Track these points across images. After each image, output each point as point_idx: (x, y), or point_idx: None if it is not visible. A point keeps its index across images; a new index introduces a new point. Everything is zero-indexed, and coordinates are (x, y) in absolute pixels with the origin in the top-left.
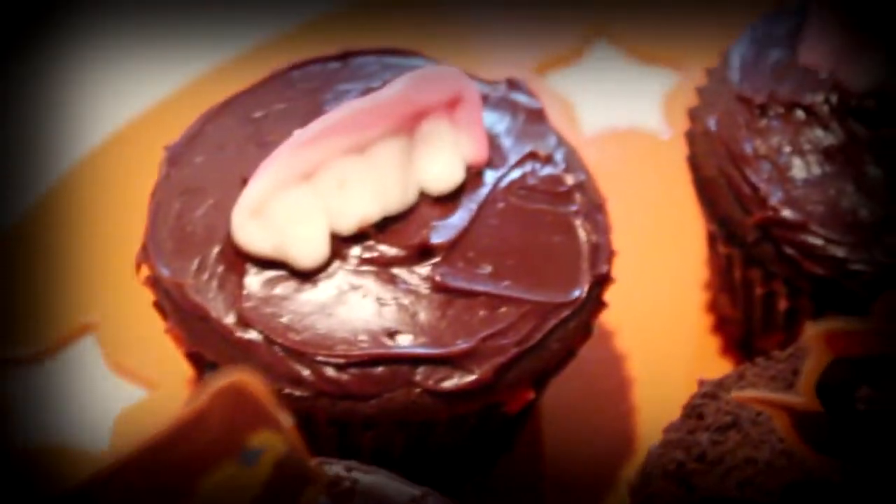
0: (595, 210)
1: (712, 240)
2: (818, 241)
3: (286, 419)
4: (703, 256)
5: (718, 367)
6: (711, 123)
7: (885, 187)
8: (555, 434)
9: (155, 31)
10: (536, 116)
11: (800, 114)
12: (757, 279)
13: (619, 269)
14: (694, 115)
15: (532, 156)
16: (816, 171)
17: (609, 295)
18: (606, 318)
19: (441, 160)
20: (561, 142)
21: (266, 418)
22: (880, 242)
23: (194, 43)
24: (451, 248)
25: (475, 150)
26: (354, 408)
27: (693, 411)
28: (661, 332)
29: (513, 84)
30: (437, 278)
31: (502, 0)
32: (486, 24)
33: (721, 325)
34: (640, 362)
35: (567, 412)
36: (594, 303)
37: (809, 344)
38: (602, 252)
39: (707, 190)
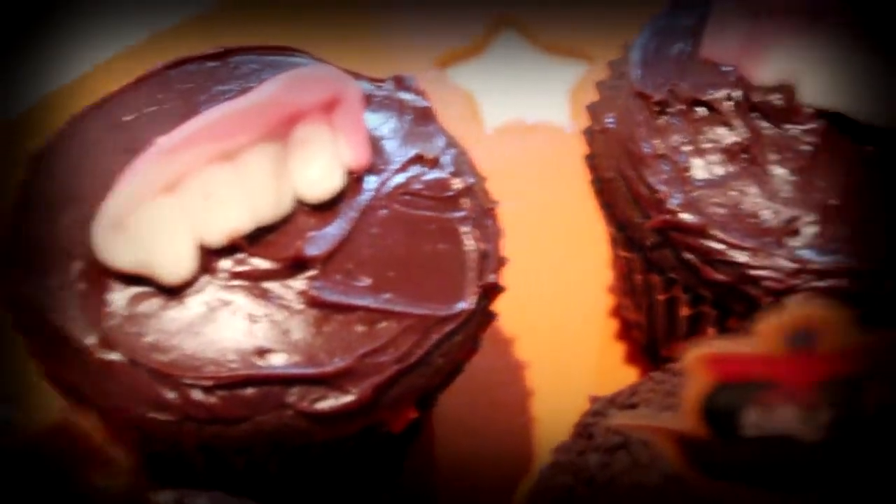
0: (484, 215)
1: (614, 242)
2: (718, 246)
3: (123, 456)
4: (607, 258)
5: (623, 375)
6: (609, 121)
7: (790, 187)
8: (448, 451)
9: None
10: (424, 116)
11: (701, 111)
12: (658, 285)
13: (518, 273)
14: (592, 111)
15: (418, 159)
16: (718, 171)
17: (508, 301)
18: (505, 326)
19: (317, 166)
20: (450, 143)
21: (100, 457)
22: (784, 246)
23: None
24: (328, 260)
25: (355, 154)
26: (224, 432)
27: (584, 430)
28: (562, 340)
29: (400, 82)
30: (313, 293)
31: None
32: (385, 17)
33: (626, 331)
34: (539, 373)
35: (461, 428)
36: (482, 314)
37: (689, 368)
38: (490, 260)
39: (605, 191)
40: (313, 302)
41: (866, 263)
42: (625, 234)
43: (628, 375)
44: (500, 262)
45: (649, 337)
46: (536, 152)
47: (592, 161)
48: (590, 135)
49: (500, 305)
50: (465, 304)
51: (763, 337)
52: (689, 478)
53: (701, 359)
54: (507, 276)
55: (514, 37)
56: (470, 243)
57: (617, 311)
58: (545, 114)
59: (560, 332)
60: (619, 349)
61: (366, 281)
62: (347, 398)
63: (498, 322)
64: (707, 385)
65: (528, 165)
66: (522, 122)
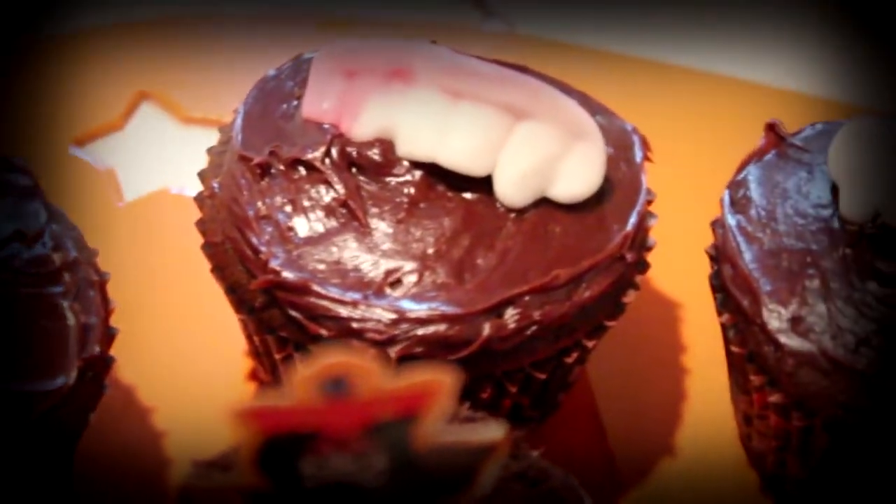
0: (87, 288)
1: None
2: (321, 302)
3: None
4: None
5: None
6: (216, 186)
7: (389, 239)
8: None
9: None
10: (27, 194)
11: (302, 170)
12: (273, 345)
13: (153, 342)
14: (203, 177)
15: (17, 236)
16: (319, 228)
17: (143, 371)
18: (142, 397)
19: None
20: (54, 219)
21: None
22: (385, 297)
23: None
24: None
25: None
26: None
27: (184, 494)
28: (198, 407)
29: (3, 162)
30: None
31: (36, 70)
32: (20, 94)
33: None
34: (176, 442)
35: (99, 501)
36: (91, 387)
37: (232, 424)
38: (92, 332)
39: (215, 255)
40: None
41: (464, 308)
42: (236, 296)
43: None
44: (108, 333)
45: None
46: (171, 222)
47: (203, 226)
48: (200, 200)
49: (134, 376)
50: (65, 378)
51: (297, 388)
52: None
53: (241, 414)
54: (140, 347)
55: (153, 110)
56: (70, 317)
57: (254, 375)
58: (184, 183)
59: (196, 399)
60: None
61: None
62: None
63: (137, 393)
64: (255, 440)
65: (161, 235)
66: (163, 192)
